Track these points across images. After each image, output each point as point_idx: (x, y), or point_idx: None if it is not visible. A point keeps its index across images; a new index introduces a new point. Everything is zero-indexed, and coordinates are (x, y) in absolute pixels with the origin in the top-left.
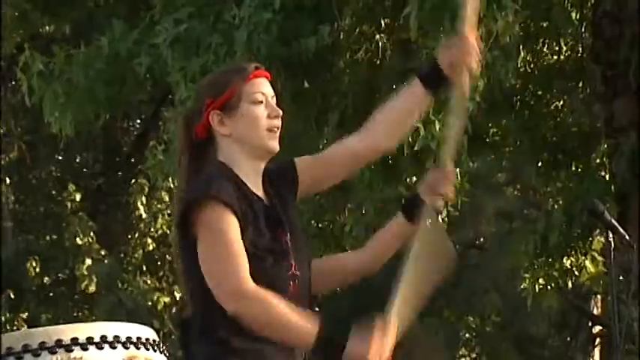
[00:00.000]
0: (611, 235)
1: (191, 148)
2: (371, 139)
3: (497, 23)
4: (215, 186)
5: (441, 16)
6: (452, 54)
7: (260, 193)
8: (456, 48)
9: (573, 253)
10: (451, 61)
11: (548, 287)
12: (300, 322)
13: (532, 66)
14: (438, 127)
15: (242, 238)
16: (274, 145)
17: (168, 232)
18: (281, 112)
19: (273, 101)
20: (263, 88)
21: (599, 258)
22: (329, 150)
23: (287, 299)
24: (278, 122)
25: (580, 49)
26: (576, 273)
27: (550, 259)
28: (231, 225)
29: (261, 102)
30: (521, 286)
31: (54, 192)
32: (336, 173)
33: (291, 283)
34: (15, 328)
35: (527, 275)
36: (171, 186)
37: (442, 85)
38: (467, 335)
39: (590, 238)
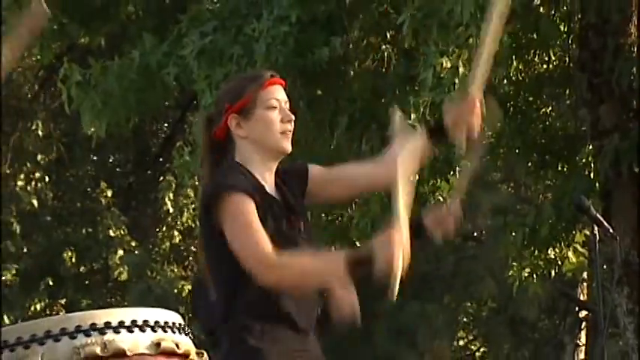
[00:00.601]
0: (596, 228)
1: (211, 147)
2: (386, 168)
3: (479, 32)
4: (233, 179)
5: (431, 24)
6: (457, 113)
7: (272, 190)
8: (463, 108)
9: (558, 244)
10: (456, 119)
11: (534, 275)
12: (325, 260)
13: (523, 74)
14: None
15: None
16: (287, 146)
17: (193, 225)
18: (293, 117)
19: (287, 106)
20: (277, 94)
21: (581, 250)
22: (343, 167)
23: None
24: (290, 126)
25: (567, 59)
26: (559, 263)
27: (536, 251)
28: (250, 208)
29: (275, 107)
30: (509, 274)
31: (89, 189)
32: (341, 190)
33: None
34: (54, 312)
35: (514, 264)
36: (196, 183)
37: (443, 139)
38: (465, 319)
39: (574, 232)
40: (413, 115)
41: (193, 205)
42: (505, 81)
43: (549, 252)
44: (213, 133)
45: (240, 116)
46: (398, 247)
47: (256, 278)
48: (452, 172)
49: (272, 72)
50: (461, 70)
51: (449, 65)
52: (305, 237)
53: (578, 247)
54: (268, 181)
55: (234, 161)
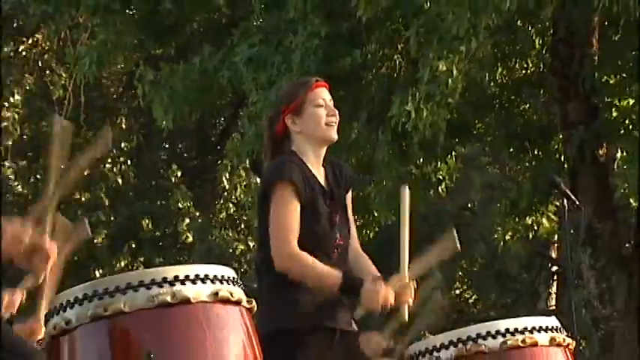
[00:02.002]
0: (565, 201)
1: (272, 141)
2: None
3: (471, 43)
4: (287, 170)
5: (432, 38)
6: (398, 294)
7: (318, 174)
8: (398, 288)
9: (534, 214)
10: (398, 299)
11: (515, 238)
12: (329, 275)
13: (506, 78)
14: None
15: (303, 213)
16: (333, 135)
17: (244, 198)
18: (337, 111)
19: (331, 103)
20: (323, 94)
21: (553, 217)
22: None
23: (332, 262)
24: (335, 118)
25: (542, 65)
26: (536, 228)
27: (517, 218)
28: (293, 205)
29: (322, 105)
30: (495, 237)
31: (162, 170)
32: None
33: (335, 250)
34: (134, 269)
35: (499, 229)
36: (247, 165)
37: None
38: (460, 274)
39: (547, 204)
40: (410, 104)
41: (244, 183)
42: (491, 83)
43: (527, 219)
44: (274, 129)
45: (295, 115)
46: (381, 300)
47: (274, 260)
48: None
49: (317, 77)
50: (454, 72)
51: (444, 68)
52: (339, 224)
53: (551, 216)
54: (316, 166)
55: (291, 151)
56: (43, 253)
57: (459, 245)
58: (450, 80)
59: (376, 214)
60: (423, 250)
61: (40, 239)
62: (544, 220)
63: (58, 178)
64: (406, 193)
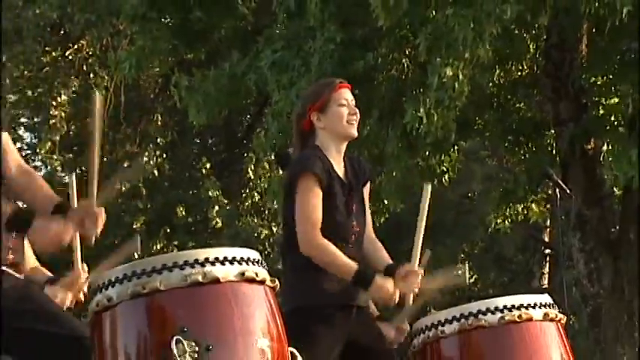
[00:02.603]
0: (557, 190)
1: (300, 136)
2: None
3: (478, 50)
4: (311, 163)
5: (440, 45)
6: (403, 284)
7: (339, 168)
8: (406, 277)
9: (527, 202)
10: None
11: (510, 222)
12: (347, 265)
13: (504, 79)
14: (436, 118)
15: (324, 201)
16: (354, 131)
17: (267, 188)
18: (357, 110)
19: (352, 103)
20: (345, 95)
21: (544, 204)
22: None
23: (349, 247)
24: (356, 117)
25: (536, 68)
26: (525, 212)
27: (513, 205)
28: (317, 195)
29: (344, 104)
30: (493, 223)
31: (194, 162)
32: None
33: (353, 236)
34: (169, 251)
35: (497, 215)
36: (270, 158)
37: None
38: (462, 256)
39: (541, 192)
40: (422, 109)
41: (268, 174)
42: (490, 84)
43: (519, 206)
44: (301, 125)
45: (320, 112)
46: (387, 296)
47: (300, 246)
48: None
49: (340, 79)
50: (460, 77)
51: (450, 74)
52: (356, 212)
53: (540, 202)
54: (337, 160)
55: (315, 145)
56: (92, 216)
57: (467, 279)
58: (456, 85)
59: (386, 202)
60: (425, 237)
61: (89, 204)
62: (533, 206)
63: (98, 149)
64: (428, 190)
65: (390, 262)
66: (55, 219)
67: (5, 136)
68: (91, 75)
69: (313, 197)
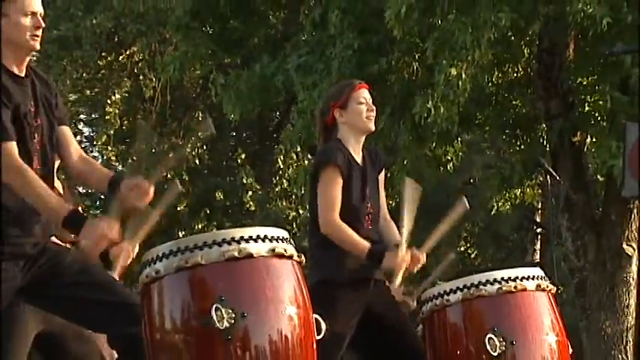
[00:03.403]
0: (548, 177)
1: (324, 129)
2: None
3: (475, 52)
4: (333, 155)
5: (445, 48)
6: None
7: (358, 158)
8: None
9: (522, 187)
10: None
11: (506, 205)
12: (360, 244)
13: (501, 79)
14: (442, 110)
15: (343, 188)
16: (371, 126)
17: (294, 176)
18: (375, 108)
19: (370, 101)
20: (364, 94)
21: (537, 189)
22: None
23: (364, 227)
24: (373, 113)
25: (530, 70)
26: (520, 196)
27: (507, 190)
28: (337, 183)
29: (363, 102)
30: (492, 205)
31: (230, 153)
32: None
33: (367, 217)
34: (209, 230)
35: (492, 198)
36: (297, 150)
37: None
38: (465, 234)
39: (533, 179)
40: (430, 102)
41: (295, 164)
42: (489, 83)
43: (516, 190)
44: (325, 120)
45: (342, 109)
46: (399, 264)
47: (320, 226)
48: None
49: (360, 80)
50: (463, 76)
51: (455, 73)
52: (371, 195)
53: (534, 186)
54: (356, 151)
55: (337, 138)
56: (141, 190)
57: (467, 205)
58: (459, 83)
59: (397, 189)
60: (433, 217)
61: (139, 181)
62: (527, 191)
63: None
64: (410, 184)
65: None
66: (104, 219)
67: (67, 129)
68: (141, 77)
69: (334, 186)
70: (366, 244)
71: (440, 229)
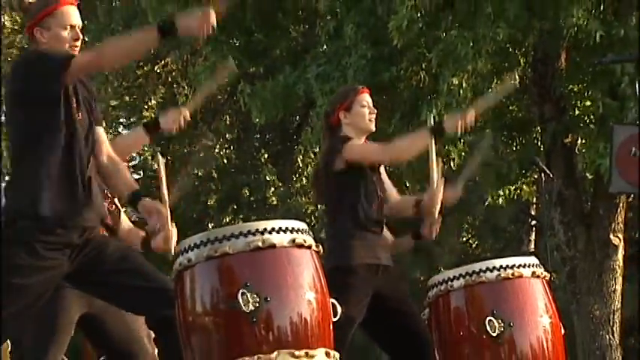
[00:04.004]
0: (542, 174)
1: (328, 130)
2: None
3: (475, 63)
4: (342, 140)
5: (448, 60)
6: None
7: None
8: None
9: (518, 183)
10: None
11: (502, 200)
12: (419, 134)
13: (499, 87)
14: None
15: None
16: (372, 126)
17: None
18: (376, 110)
19: (371, 104)
20: (366, 98)
21: (533, 186)
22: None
23: (374, 210)
24: (373, 115)
25: (525, 77)
26: (517, 192)
27: (504, 186)
28: (359, 142)
29: (365, 105)
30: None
31: (255, 153)
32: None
33: (377, 198)
34: (236, 223)
35: (491, 194)
36: (316, 150)
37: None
38: (466, 226)
39: (528, 176)
40: (434, 110)
41: (313, 162)
42: (489, 90)
43: (512, 187)
44: (330, 121)
45: (346, 111)
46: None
47: (382, 161)
48: None
49: (363, 86)
50: (464, 85)
51: (457, 82)
52: (378, 181)
53: (530, 184)
54: None
55: (341, 137)
56: (159, 215)
57: (491, 140)
58: (461, 91)
59: (407, 185)
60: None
61: (155, 205)
62: (523, 187)
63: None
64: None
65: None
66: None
67: (101, 129)
68: (174, 85)
69: (359, 144)
70: (424, 130)
71: (471, 163)
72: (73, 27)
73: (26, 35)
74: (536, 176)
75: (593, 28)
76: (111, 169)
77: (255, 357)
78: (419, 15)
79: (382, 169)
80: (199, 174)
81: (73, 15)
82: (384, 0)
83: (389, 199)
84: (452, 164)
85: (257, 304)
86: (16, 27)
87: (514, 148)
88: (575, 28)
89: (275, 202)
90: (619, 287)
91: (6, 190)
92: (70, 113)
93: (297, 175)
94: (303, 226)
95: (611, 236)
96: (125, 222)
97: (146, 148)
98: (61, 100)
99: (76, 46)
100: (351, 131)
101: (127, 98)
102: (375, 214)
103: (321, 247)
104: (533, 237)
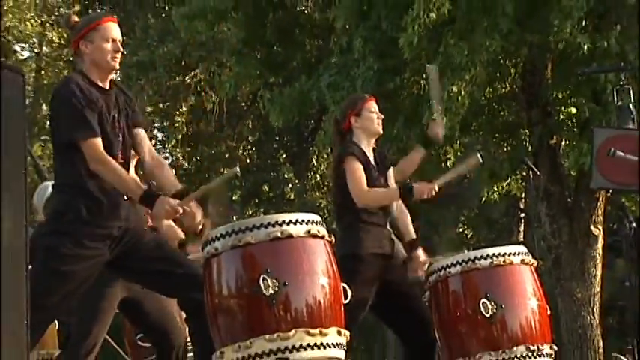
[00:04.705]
0: (530, 172)
1: (339, 134)
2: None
3: (472, 73)
4: (352, 149)
5: (447, 70)
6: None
7: (370, 157)
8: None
9: (509, 180)
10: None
11: (494, 195)
12: (392, 191)
13: (492, 94)
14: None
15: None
16: (380, 130)
17: (326, 172)
18: (382, 116)
19: (377, 110)
20: (374, 105)
21: (519, 182)
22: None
23: (379, 214)
24: (381, 120)
25: (515, 86)
26: (507, 188)
27: (496, 183)
28: (359, 168)
29: (373, 112)
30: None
31: (274, 154)
32: None
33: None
34: (257, 216)
35: (485, 189)
36: (329, 151)
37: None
38: (462, 218)
39: (517, 173)
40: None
41: (326, 162)
42: (483, 97)
43: (504, 184)
44: (341, 126)
45: (357, 116)
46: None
47: (355, 200)
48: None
49: (370, 94)
50: (462, 92)
51: (455, 90)
52: (382, 181)
53: (519, 181)
54: (368, 151)
55: (352, 141)
56: (190, 214)
57: (480, 159)
58: (459, 98)
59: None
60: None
61: (189, 204)
62: (513, 183)
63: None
64: (428, 69)
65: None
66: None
67: (142, 131)
68: (203, 93)
69: (357, 170)
70: (393, 189)
71: (453, 171)
72: (114, 40)
73: (72, 49)
74: (524, 174)
75: (582, 41)
76: (156, 170)
77: (275, 335)
78: (425, 31)
79: (390, 174)
80: (224, 171)
81: (114, 30)
82: (389, 18)
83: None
84: (448, 164)
85: (276, 288)
86: (62, 42)
87: (505, 149)
88: (564, 42)
89: (292, 197)
90: (599, 272)
91: (54, 189)
92: (109, 123)
93: (311, 173)
94: (317, 218)
95: (592, 227)
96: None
97: (178, 150)
98: (97, 119)
99: (117, 58)
100: (361, 135)
101: (160, 105)
102: (376, 210)
103: (333, 237)
104: (522, 228)
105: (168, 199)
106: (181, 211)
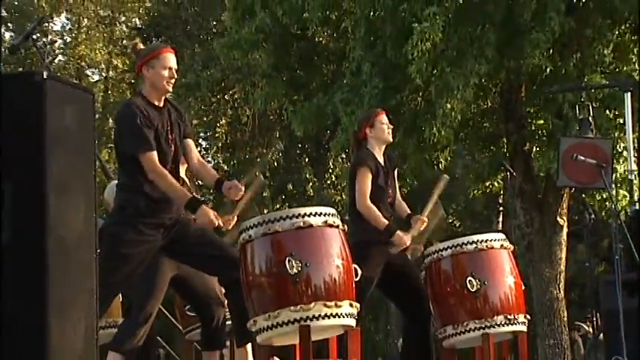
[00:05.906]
0: (508, 173)
1: (356, 142)
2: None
3: (463, 93)
4: (366, 159)
5: (443, 91)
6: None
7: (381, 161)
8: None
9: (489, 180)
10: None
11: (478, 192)
12: (381, 221)
13: (477, 109)
14: (442, 134)
15: (373, 181)
16: (390, 138)
17: (341, 174)
18: (392, 127)
19: (388, 122)
20: (385, 117)
21: (499, 182)
22: (399, 198)
23: (385, 207)
24: (390, 130)
25: (495, 103)
26: (489, 186)
27: (480, 182)
28: (368, 178)
29: (384, 123)
30: (469, 192)
31: (297, 158)
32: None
33: (388, 199)
34: (283, 209)
35: (470, 188)
36: (343, 156)
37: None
38: (451, 211)
39: (497, 175)
40: (434, 128)
41: (341, 165)
42: (470, 112)
43: (486, 183)
44: (359, 136)
45: (371, 127)
46: (403, 243)
47: (357, 206)
48: None
49: (381, 109)
50: (455, 109)
51: (449, 107)
52: (390, 185)
53: (498, 181)
54: (380, 157)
55: (367, 148)
56: (237, 189)
57: (447, 178)
58: (453, 114)
59: (407, 180)
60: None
61: (234, 183)
62: (495, 183)
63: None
64: (444, 180)
65: (409, 212)
66: (208, 210)
67: (190, 141)
68: (239, 109)
69: (366, 180)
70: (385, 222)
71: (431, 199)
72: (170, 69)
73: (135, 72)
74: (503, 175)
75: (544, 64)
76: (201, 170)
77: (298, 306)
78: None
79: (396, 174)
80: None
81: (171, 59)
82: (392, 47)
83: (395, 200)
84: (440, 167)
85: (299, 268)
86: (125, 67)
87: (487, 155)
88: (531, 66)
89: (312, 194)
90: (563, 255)
91: (118, 187)
92: (163, 137)
93: (328, 174)
94: (333, 211)
95: (558, 218)
96: None
97: (219, 155)
98: (153, 135)
99: (171, 83)
100: (375, 143)
101: (204, 119)
102: (381, 207)
103: (346, 227)
104: (500, 219)
105: (209, 210)
106: (217, 223)
